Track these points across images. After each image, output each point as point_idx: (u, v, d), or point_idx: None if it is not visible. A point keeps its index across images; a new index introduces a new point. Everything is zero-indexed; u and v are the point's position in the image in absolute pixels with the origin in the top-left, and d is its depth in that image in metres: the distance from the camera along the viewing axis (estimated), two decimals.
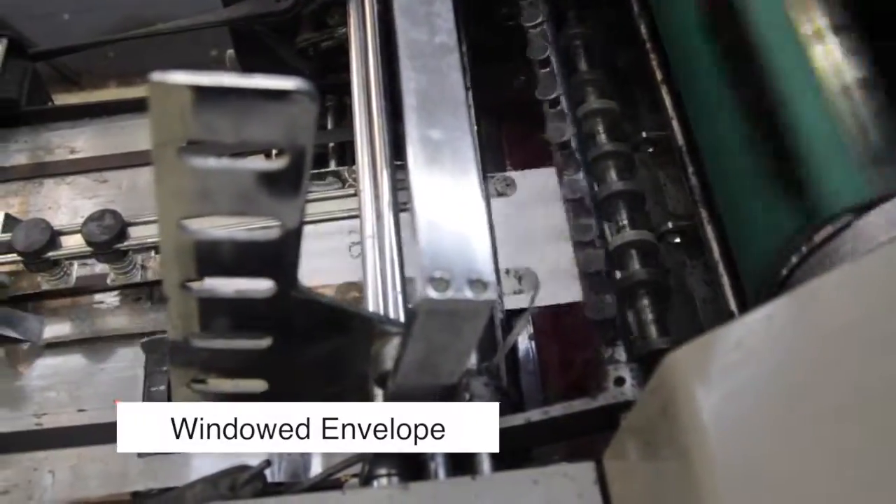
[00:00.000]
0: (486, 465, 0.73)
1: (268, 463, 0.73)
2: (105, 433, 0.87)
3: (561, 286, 0.88)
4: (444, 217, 0.60)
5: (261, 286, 0.65)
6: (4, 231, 0.95)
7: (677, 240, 0.96)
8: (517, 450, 0.78)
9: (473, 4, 1.03)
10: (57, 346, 0.93)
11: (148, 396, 0.90)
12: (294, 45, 1.09)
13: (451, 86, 0.66)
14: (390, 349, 0.71)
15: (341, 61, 1.07)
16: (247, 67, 1.14)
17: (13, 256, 0.91)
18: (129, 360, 0.92)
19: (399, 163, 0.84)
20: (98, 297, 0.95)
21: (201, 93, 0.51)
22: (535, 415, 0.74)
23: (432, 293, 0.56)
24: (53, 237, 0.89)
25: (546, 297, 0.88)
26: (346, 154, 1.05)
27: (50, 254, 0.90)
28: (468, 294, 0.56)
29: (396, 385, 0.63)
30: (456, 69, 0.67)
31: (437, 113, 0.64)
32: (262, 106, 0.53)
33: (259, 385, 0.75)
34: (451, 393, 0.65)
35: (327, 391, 0.79)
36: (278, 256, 0.62)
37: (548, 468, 0.67)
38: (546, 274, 0.89)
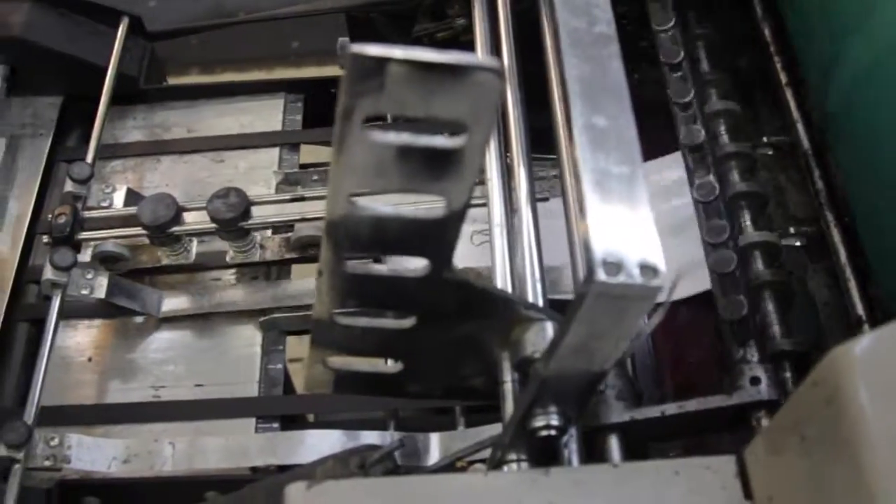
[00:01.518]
0: (615, 454, 0.74)
1: (401, 443, 0.74)
2: (223, 408, 0.89)
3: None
4: (612, 202, 0.60)
5: (415, 265, 0.66)
6: (126, 205, 0.97)
7: (798, 243, 0.96)
8: (636, 445, 0.78)
9: None
10: (174, 320, 0.95)
11: (265, 374, 0.91)
12: (409, 35, 1.10)
13: (612, 74, 0.67)
14: (531, 335, 0.72)
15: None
16: None
17: (135, 230, 0.94)
18: (246, 337, 0.93)
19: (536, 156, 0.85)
20: (215, 273, 0.97)
21: (395, 66, 0.52)
22: (670, 408, 0.75)
23: (604, 276, 0.56)
24: (179, 213, 0.91)
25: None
26: None
27: (174, 229, 0.91)
28: (639, 279, 0.57)
29: (549, 370, 0.63)
30: (616, 58, 0.67)
31: (600, 100, 0.65)
32: (452, 82, 0.53)
33: (394, 366, 0.76)
34: (599, 380, 0.66)
35: (456, 374, 0.80)
36: (439, 236, 0.63)
37: (689, 460, 0.67)
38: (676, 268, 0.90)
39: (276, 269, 0.97)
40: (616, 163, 0.62)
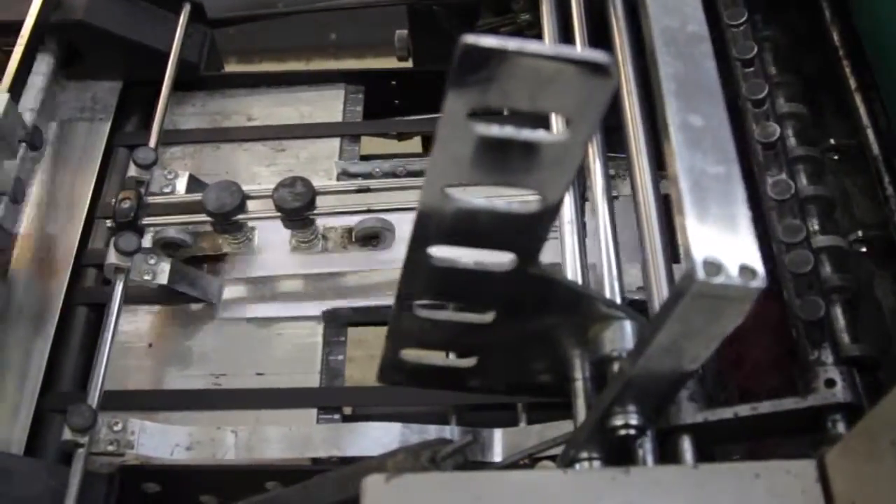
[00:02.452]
0: (688, 455, 0.73)
1: (473, 438, 0.74)
2: (283, 398, 0.89)
3: None
4: (709, 202, 0.60)
5: (501, 259, 0.66)
6: (188, 192, 0.97)
7: (864, 249, 0.95)
8: (704, 447, 0.78)
9: None
10: (234, 307, 0.95)
11: (326, 365, 0.91)
12: (472, 28, 1.10)
13: (705, 73, 0.67)
14: (609, 333, 0.72)
15: None
16: (418, 48, 1.15)
17: (198, 217, 0.94)
18: (307, 327, 0.93)
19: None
20: None
21: (508, 58, 0.52)
22: (743, 410, 0.74)
23: (704, 276, 0.56)
24: (243, 200, 0.91)
25: None
26: None
27: (239, 216, 0.91)
28: (739, 280, 0.57)
29: (636, 368, 0.63)
30: (709, 57, 0.67)
31: (695, 99, 0.65)
32: (564, 76, 0.53)
33: (468, 361, 0.76)
34: (685, 380, 0.66)
35: (524, 370, 0.80)
36: (530, 230, 0.63)
37: (768, 463, 0.67)
38: None
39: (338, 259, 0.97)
40: (713, 163, 0.62)
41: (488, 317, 0.71)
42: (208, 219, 0.93)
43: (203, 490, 0.88)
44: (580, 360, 0.78)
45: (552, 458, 0.80)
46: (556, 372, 0.81)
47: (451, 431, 0.87)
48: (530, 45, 0.52)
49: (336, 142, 1.06)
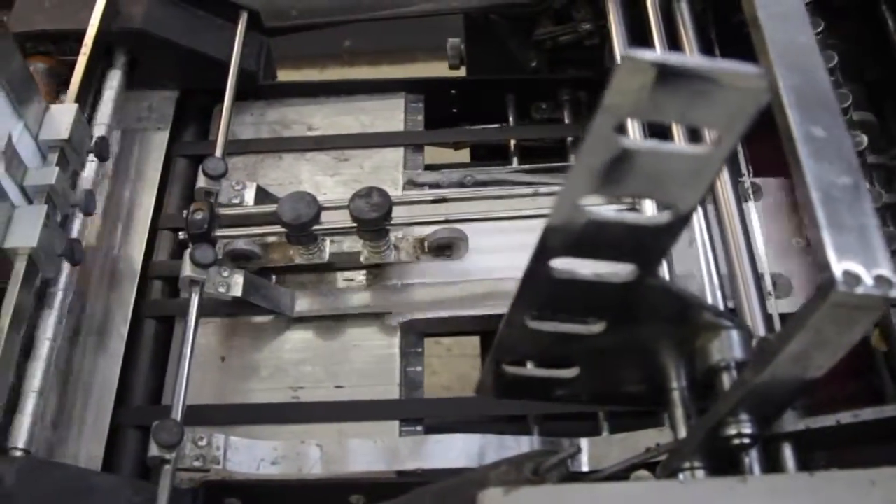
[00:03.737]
0: (790, 463, 0.74)
1: (578, 449, 0.74)
2: (365, 410, 0.89)
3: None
4: (842, 213, 0.61)
5: (621, 270, 0.67)
6: (256, 202, 0.97)
7: None
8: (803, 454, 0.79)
9: (714, 7, 1.04)
10: (305, 320, 0.95)
11: (405, 377, 0.91)
12: (529, 37, 1.10)
13: (820, 84, 0.68)
14: (718, 343, 0.73)
15: (577, 56, 1.10)
16: (472, 56, 1.16)
17: (271, 228, 0.93)
18: (383, 339, 0.93)
19: None
20: (347, 274, 0.97)
21: (666, 71, 0.53)
22: (844, 417, 0.75)
23: (844, 287, 0.57)
24: (319, 211, 0.91)
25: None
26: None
27: (315, 227, 0.91)
28: (876, 290, 0.58)
29: (761, 377, 0.64)
30: (821, 68, 0.68)
31: (814, 111, 0.66)
32: (718, 89, 0.54)
33: (570, 372, 0.77)
34: (806, 389, 0.67)
35: (615, 380, 0.80)
36: (655, 242, 0.63)
37: (883, 470, 0.68)
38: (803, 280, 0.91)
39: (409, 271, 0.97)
40: (839, 173, 0.63)
41: (597, 327, 0.71)
42: (280, 230, 0.93)
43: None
44: (678, 370, 0.78)
45: (641, 467, 0.80)
46: (647, 381, 0.82)
47: (533, 441, 0.87)
48: (690, 59, 0.53)
49: (400, 151, 1.06)
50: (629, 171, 0.58)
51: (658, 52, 0.52)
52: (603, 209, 0.61)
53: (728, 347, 0.72)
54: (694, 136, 0.88)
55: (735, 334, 0.72)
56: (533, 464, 0.75)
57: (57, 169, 0.89)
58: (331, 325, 0.95)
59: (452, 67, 1.17)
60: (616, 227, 0.62)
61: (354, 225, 0.91)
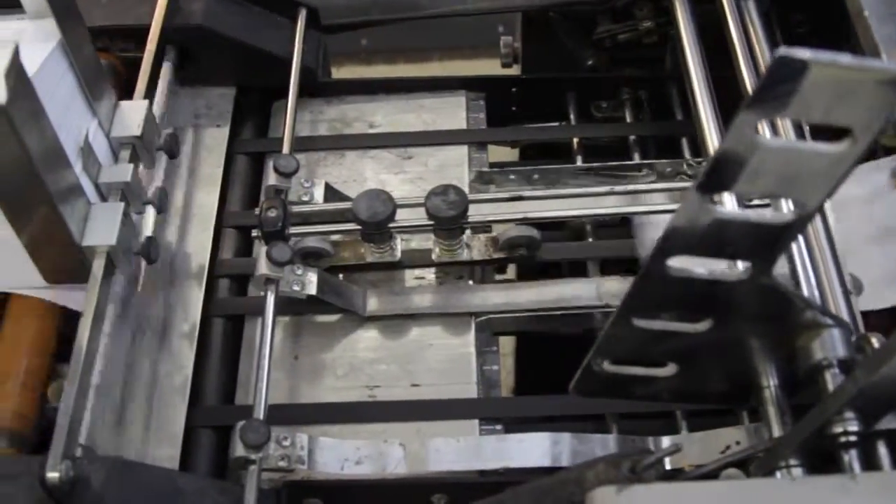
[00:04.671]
0: (885, 461, 0.75)
1: (677, 448, 0.74)
2: (444, 409, 0.89)
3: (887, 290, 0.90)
4: None
5: (735, 269, 0.67)
6: (325, 201, 0.96)
7: None
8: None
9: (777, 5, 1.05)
10: (378, 318, 0.94)
11: (481, 375, 0.91)
12: (587, 36, 1.10)
13: None
14: (820, 342, 0.73)
15: (634, 54, 1.10)
16: (528, 54, 1.16)
17: (344, 225, 0.93)
18: (457, 337, 0.93)
19: None
20: (417, 272, 0.97)
21: (820, 70, 0.53)
22: None
23: None
24: (394, 209, 0.90)
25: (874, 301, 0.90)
26: (649, 147, 1.08)
27: (391, 225, 0.91)
28: None
29: (875, 376, 0.64)
30: None
31: None
32: (863, 88, 0.54)
33: (668, 370, 0.77)
34: None
35: (705, 378, 0.80)
36: (775, 240, 0.64)
37: None
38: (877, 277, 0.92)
39: (480, 270, 0.97)
40: None
41: (702, 326, 0.71)
42: (352, 227, 0.93)
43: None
44: (771, 368, 0.79)
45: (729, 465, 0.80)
46: (731, 379, 0.82)
47: (612, 440, 0.87)
48: (843, 57, 0.53)
49: (463, 149, 1.06)
50: (762, 170, 0.59)
51: (811, 51, 0.52)
52: (728, 208, 0.61)
53: (830, 346, 0.73)
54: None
55: (837, 333, 0.73)
56: (630, 462, 0.75)
57: (131, 166, 0.88)
58: (402, 323, 0.94)
59: (505, 66, 1.17)
60: (739, 226, 0.62)
61: (430, 223, 0.91)
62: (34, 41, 0.83)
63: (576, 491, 0.75)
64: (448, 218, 0.90)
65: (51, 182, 0.78)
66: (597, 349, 0.74)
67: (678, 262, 0.66)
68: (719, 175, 0.59)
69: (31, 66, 0.78)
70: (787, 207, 0.86)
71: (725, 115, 0.95)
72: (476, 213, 0.92)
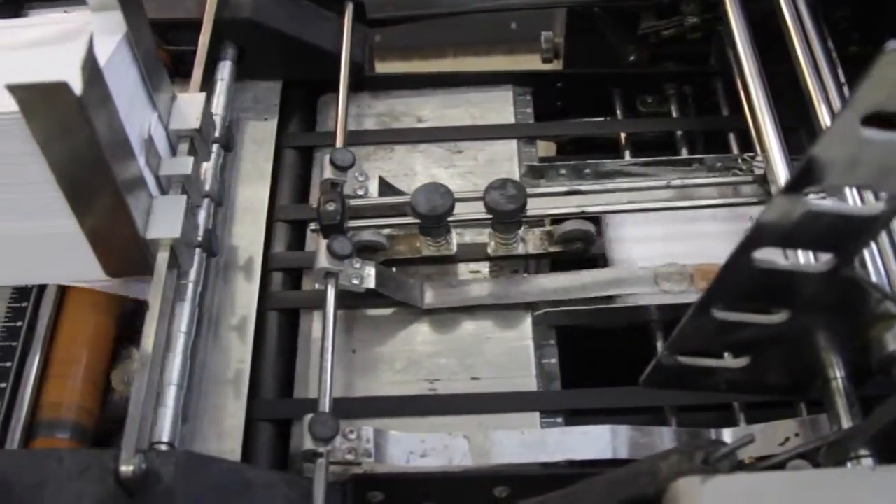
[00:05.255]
0: None
1: (751, 438, 0.74)
2: (505, 402, 0.89)
3: None
4: None
5: (818, 260, 0.68)
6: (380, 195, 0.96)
7: None
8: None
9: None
10: (434, 312, 0.95)
11: (540, 369, 0.91)
12: (631, 31, 1.11)
13: None
14: (893, 333, 0.74)
15: (677, 50, 1.11)
16: (571, 48, 1.16)
17: (400, 219, 0.93)
18: (515, 330, 0.93)
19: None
20: (472, 266, 0.97)
21: None
22: None
23: None
24: (453, 202, 0.90)
25: None
26: (695, 141, 1.08)
27: (450, 219, 0.91)
28: None
29: None
30: None
31: None
32: None
33: (740, 362, 0.78)
34: None
35: (776, 370, 0.81)
36: (861, 232, 0.64)
37: None
38: None
39: (535, 263, 0.97)
40: None
41: (779, 317, 0.72)
42: (407, 221, 0.93)
43: (425, 497, 0.87)
44: (839, 359, 0.80)
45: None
46: (794, 370, 0.83)
47: (672, 433, 0.87)
48: None
49: (512, 144, 1.06)
50: (860, 163, 0.59)
51: None
52: (819, 200, 0.62)
53: None
54: None
55: None
56: (703, 453, 0.76)
57: (192, 159, 0.88)
58: (459, 316, 0.95)
59: (545, 61, 1.18)
60: (828, 218, 0.63)
61: (489, 217, 0.92)
62: (99, 33, 0.83)
63: (650, 482, 0.76)
64: (507, 212, 0.90)
65: (119, 173, 0.78)
66: (673, 341, 0.75)
67: (763, 254, 0.67)
68: (816, 169, 0.60)
69: (100, 58, 0.78)
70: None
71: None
72: (533, 206, 0.92)
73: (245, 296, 0.95)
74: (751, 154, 0.97)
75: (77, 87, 0.71)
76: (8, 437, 0.83)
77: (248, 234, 0.98)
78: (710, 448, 0.77)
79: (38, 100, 0.72)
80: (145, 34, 0.86)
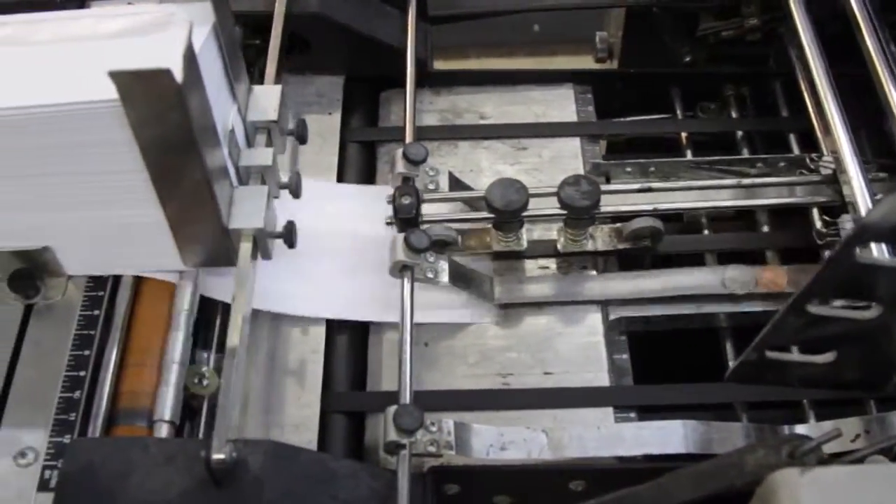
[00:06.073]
0: None
1: (838, 432, 0.76)
2: (577, 397, 0.90)
3: None
4: None
5: None
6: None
7: None
8: None
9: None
10: (505, 307, 0.95)
11: (612, 364, 0.92)
12: (688, 32, 1.12)
13: None
14: None
15: (734, 51, 1.12)
16: (627, 48, 1.18)
17: (473, 214, 0.94)
18: (586, 326, 0.94)
19: None
20: (541, 262, 0.98)
21: None
22: None
23: None
24: (528, 198, 0.91)
25: None
26: (756, 142, 1.10)
27: (524, 214, 0.92)
28: None
29: None
30: None
31: None
32: None
33: (827, 357, 0.79)
34: None
35: (852, 366, 0.82)
36: None
37: None
38: None
39: (603, 261, 0.98)
40: None
41: (871, 313, 0.73)
42: (478, 216, 0.94)
43: (499, 490, 0.88)
44: None
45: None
46: (869, 367, 0.84)
47: (747, 428, 0.88)
48: None
49: (575, 142, 1.08)
50: None
51: None
52: None
53: None
54: None
55: None
56: (789, 447, 0.77)
57: (271, 150, 0.89)
58: (528, 311, 0.96)
59: (599, 61, 1.19)
60: None
61: (562, 212, 0.93)
62: (183, 25, 0.83)
63: (736, 475, 0.77)
64: (582, 208, 0.91)
65: (209, 162, 0.79)
66: (765, 335, 0.76)
67: (866, 251, 0.68)
68: None
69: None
70: None
71: None
72: (603, 203, 0.93)
73: None
74: (817, 154, 0.99)
75: (178, 74, 0.72)
76: (90, 426, 0.83)
77: None
78: (796, 442, 0.78)
79: (138, 87, 0.73)
80: (229, 25, 0.87)
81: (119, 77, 0.72)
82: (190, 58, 0.74)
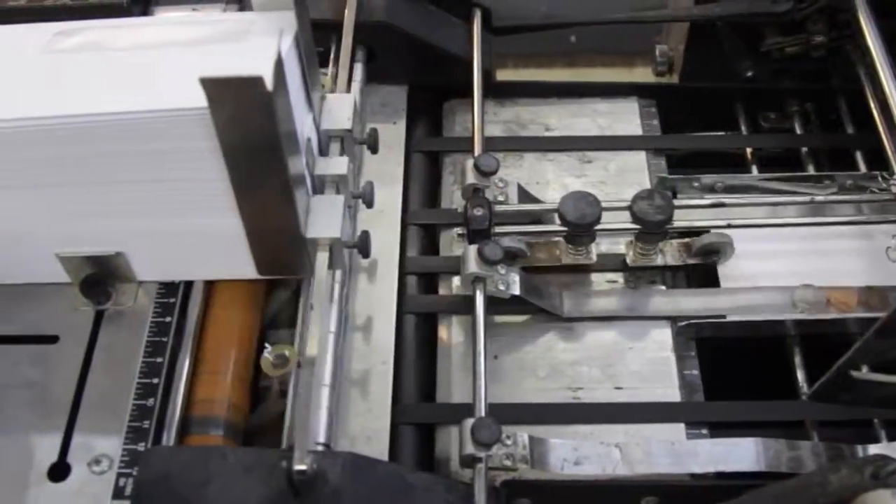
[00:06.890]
0: None
1: None
2: (649, 412, 0.90)
3: None
4: None
5: None
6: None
7: None
8: None
9: None
10: (574, 320, 0.95)
11: (683, 379, 0.92)
12: (751, 47, 1.12)
13: None
14: None
15: (796, 66, 1.12)
16: (690, 61, 1.18)
17: (544, 227, 0.94)
18: (656, 341, 0.94)
19: None
20: (610, 276, 0.98)
21: None
22: None
23: None
24: (601, 212, 0.91)
25: None
26: (821, 159, 1.10)
27: (597, 227, 0.92)
28: None
29: None
30: None
31: None
32: None
33: None
34: None
35: None
36: None
37: None
38: None
39: (671, 275, 0.98)
40: None
41: None
42: (554, 229, 0.94)
43: None
44: None
45: None
46: None
47: (819, 447, 0.88)
48: None
49: (641, 155, 1.08)
50: None
51: None
52: None
53: None
54: None
55: None
56: (872, 467, 0.76)
57: (346, 159, 0.89)
58: (597, 325, 0.95)
59: (659, 74, 1.19)
60: None
61: (635, 227, 0.92)
62: (265, 33, 0.83)
63: (820, 493, 0.76)
64: (655, 222, 0.91)
65: (291, 170, 0.79)
66: (853, 355, 0.76)
67: None
68: None
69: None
70: None
71: None
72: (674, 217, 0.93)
73: (384, 299, 0.95)
74: (888, 172, 0.98)
75: (269, 82, 0.72)
76: (164, 434, 0.83)
77: (385, 238, 0.99)
78: (879, 462, 0.78)
79: (228, 94, 0.73)
80: (308, 34, 0.86)
81: (209, 84, 0.72)
82: (280, 66, 0.74)
